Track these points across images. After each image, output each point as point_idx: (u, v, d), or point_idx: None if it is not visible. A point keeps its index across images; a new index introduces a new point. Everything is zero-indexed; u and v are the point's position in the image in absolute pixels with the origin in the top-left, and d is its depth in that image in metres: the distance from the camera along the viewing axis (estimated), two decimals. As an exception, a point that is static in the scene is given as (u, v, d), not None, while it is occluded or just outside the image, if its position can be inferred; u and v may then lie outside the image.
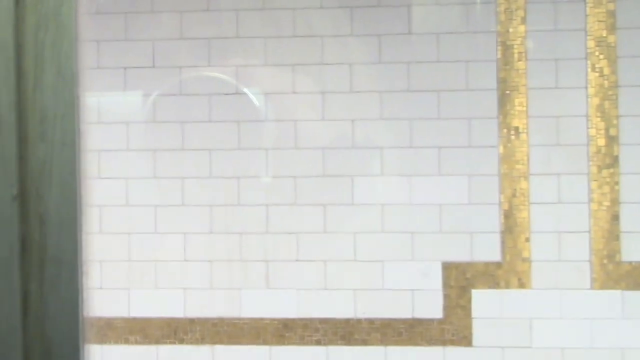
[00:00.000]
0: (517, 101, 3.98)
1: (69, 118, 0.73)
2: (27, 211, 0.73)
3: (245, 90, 4.05)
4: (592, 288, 3.92)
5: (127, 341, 4.08)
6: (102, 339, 4.07)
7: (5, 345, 0.71)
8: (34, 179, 0.73)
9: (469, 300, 3.97)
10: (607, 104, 3.95)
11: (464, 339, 3.96)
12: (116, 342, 4.08)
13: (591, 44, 3.97)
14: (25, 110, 0.73)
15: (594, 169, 3.93)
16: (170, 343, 4.06)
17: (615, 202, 3.92)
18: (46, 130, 0.73)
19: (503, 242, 3.96)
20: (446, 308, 3.97)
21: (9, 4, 0.70)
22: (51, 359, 0.72)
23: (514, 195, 3.96)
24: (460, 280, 3.97)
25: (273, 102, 4.05)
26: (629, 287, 3.89)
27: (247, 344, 4.03)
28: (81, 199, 0.74)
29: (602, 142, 3.94)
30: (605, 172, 3.93)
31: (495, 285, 3.96)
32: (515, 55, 4.00)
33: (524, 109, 3.98)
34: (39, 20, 0.73)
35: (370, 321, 4.00)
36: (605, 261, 3.91)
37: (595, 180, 3.94)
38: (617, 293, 3.90)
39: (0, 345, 0.71)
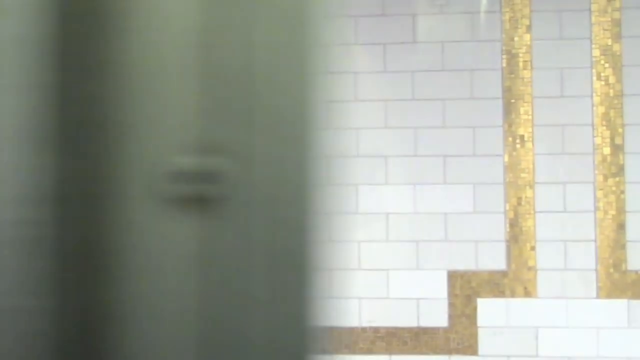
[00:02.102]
0: (522, 110, 3.98)
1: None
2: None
3: (250, 98, 4.05)
4: (598, 297, 3.91)
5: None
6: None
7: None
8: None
9: (475, 309, 3.96)
10: (612, 112, 3.94)
11: (470, 347, 3.94)
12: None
13: (596, 52, 3.97)
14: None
15: (600, 178, 3.93)
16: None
17: (621, 210, 3.91)
18: None
19: (508, 251, 3.95)
20: (451, 317, 3.96)
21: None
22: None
23: (519, 204, 3.96)
24: (465, 289, 3.96)
25: (278, 110, 4.04)
26: (635, 296, 3.88)
27: (252, 352, 4.01)
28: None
29: (607, 150, 3.94)
30: (610, 181, 3.93)
31: (500, 294, 3.95)
32: (521, 64, 4.00)
33: (529, 117, 3.97)
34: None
35: (375, 330, 3.98)
36: (611, 270, 3.90)
37: (600, 189, 3.93)
38: (623, 302, 3.89)
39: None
